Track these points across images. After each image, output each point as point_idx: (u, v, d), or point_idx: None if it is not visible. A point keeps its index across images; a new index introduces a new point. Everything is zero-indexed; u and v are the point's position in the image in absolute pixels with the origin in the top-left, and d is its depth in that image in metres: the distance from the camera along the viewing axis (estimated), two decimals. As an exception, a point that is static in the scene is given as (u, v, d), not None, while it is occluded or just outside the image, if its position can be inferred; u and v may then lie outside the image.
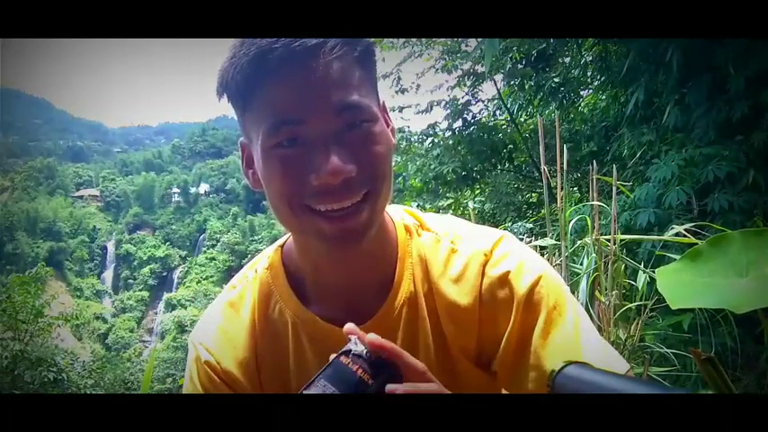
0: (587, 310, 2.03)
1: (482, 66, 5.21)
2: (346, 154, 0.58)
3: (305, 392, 0.51)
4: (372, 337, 0.53)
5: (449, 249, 0.73)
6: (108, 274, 58.24)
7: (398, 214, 0.77)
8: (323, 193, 0.59)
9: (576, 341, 0.65)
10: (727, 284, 0.92)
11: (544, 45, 5.22)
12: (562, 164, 2.24)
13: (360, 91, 0.60)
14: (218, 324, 0.75)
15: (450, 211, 6.03)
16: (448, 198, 6.37)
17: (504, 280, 0.69)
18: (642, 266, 2.27)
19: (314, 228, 0.62)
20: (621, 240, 2.36)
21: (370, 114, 0.61)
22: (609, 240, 2.12)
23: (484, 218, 5.81)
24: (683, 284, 0.98)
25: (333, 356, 0.53)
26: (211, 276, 52.28)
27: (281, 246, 0.78)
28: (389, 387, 0.51)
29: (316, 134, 0.58)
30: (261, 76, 0.58)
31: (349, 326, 0.55)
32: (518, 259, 0.70)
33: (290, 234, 0.75)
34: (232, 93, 0.62)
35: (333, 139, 0.58)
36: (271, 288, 0.75)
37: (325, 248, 0.66)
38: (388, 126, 0.67)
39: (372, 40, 0.64)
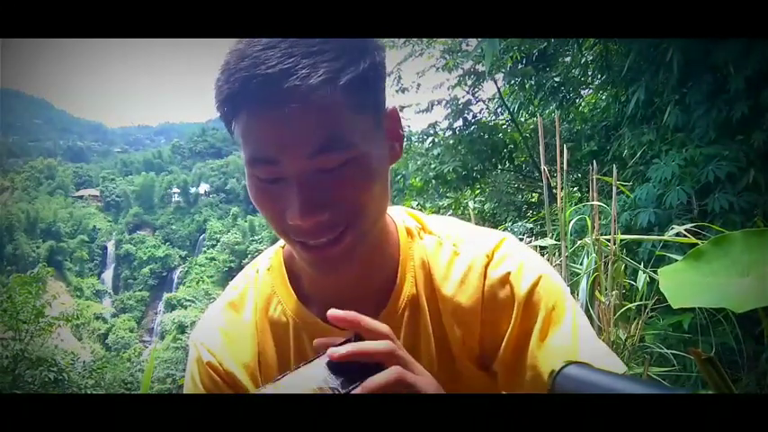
0: (587, 310, 2.03)
1: (483, 65, 5.22)
2: (318, 197, 0.57)
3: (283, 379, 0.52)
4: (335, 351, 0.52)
5: (451, 252, 0.72)
6: (108, 274, 58.20)
7: (400, 216, 0.77)
8: (298, 231, 0.59)
9: (573, 344, 0.65)
10: (729, 284, 0.92)
11: (545, 44, 5.23)
12: (562, 164, 2.24)
13: (339, 128, 0.56)
14: (220, 325, 0.75)
15: (451, 211, 6.03)
16: (448, 198, 6.37)
17: (504, 281, 0.69)
18: (642, 266, 2.27)
19: (297, 251, 0.64)
20: (621, 240, 2.36)
21: (348, 154, 0.57)
22: (609, 240, 2.12)
23: (484, 218, 5.81)
24: (685, 284, 0.99)
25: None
26: (211, 276, 52.25)
27: (283, 247, 0.78)
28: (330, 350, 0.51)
29: (289, 174, 0.57)
30: (239, 110, 0.57)
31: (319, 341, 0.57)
32: (519, 260, 0.70)
33: None
34: (221, 114, 0.62)
35: (304, 181, 0.57)
36: (272, 289, 0.75)
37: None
38: (395, 135, 0.65)
39: (363, 62, 0.58)
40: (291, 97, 0.53)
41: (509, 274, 0.69)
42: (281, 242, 0.79)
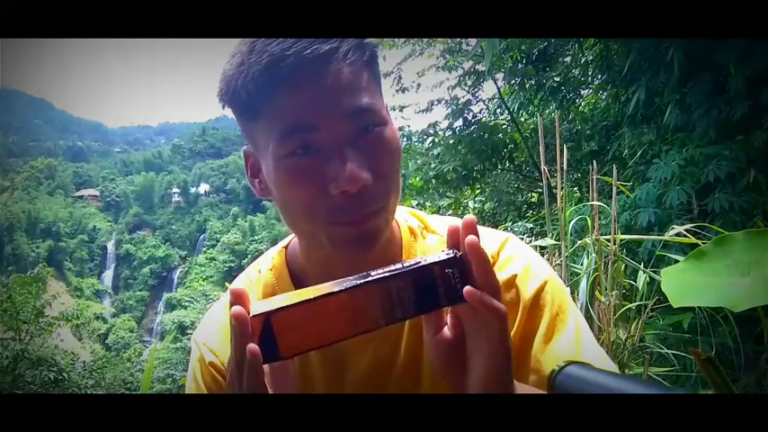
0: (587, 310, 2.03)
1: (483, 65, 5.22)
2: (361, 160, 0.58)
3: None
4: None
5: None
6: (108, 274, 58.22)
7: (402, 216, 0.76)
8: (340, 206, 0.59)
9: (576, 350, 0.65)
10: (729, 284, 0.93)
11: (545, 44, 5.23)
12: (562, 163, 2.24)
13: (369, 94, 0.60)
14: (222, 324, 0.75)
15: (451, 211, 6.03)
16: (448, 197, 6.37)
17: (510, 283, 0.69)
18: (642, 266, 2.27)
19: (329, 234, 0.61)
20: (621, 240, 2.36)
21: (380, 118, 0.60)
22: (609, 240, 2.12)
23: (484, 217, 5.81)
24: (686, 284, 0.99)
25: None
26: (211, 276, 52.14)
27: (285, 247, 0.77)
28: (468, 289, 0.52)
29: (329, 140, 0.58)
30: (273, 84, 0.57)
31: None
32: (524, 262, 0.70)
33: (293, 235, 0.74)
34: (242, 101, 0.60)
35: (347, 144, 0.58)
36: (275, 289, 0.74)
37: (336, 252, 0.64)
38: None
39: (375, 41, 0.63)
40: (325, 63, 0.56)
41: (515, 276, 0.69)
42: (284, 242, 0.78)
